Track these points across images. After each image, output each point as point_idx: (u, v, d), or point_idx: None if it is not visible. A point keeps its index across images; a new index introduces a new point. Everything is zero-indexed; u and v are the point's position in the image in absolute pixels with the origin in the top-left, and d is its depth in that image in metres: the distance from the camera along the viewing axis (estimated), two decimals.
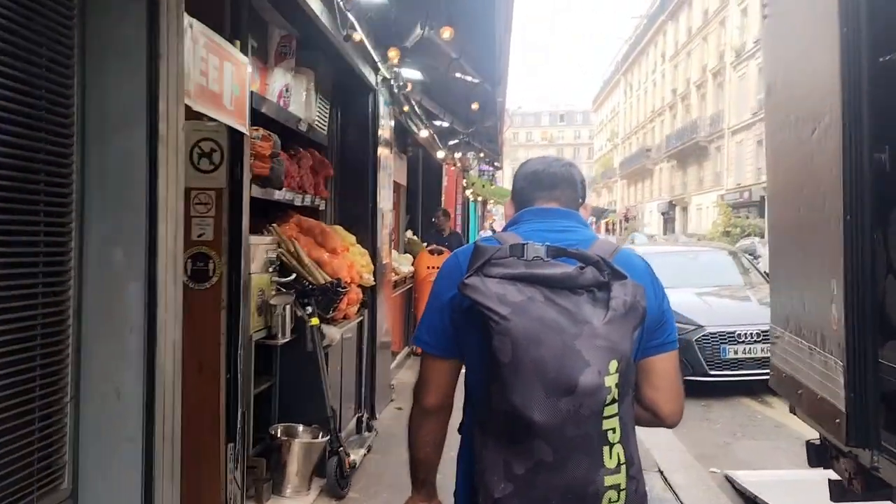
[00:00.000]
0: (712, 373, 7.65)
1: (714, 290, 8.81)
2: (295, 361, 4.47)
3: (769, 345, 3.80)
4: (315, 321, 4.36)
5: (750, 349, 7.65)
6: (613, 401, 1.44)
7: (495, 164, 15.00)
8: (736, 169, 38.67)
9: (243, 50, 3.60)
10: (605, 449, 1.44)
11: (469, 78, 5.42)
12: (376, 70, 5.66)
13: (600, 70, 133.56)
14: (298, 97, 4.75)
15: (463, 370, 1.75)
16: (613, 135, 76.00)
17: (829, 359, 2.86)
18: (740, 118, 38.07)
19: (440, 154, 8.26)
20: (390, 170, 6.03)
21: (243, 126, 3.51)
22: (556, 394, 1.39)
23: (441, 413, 1.75)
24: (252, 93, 3.87)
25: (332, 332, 4.56)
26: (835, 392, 2.83)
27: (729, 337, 7.67)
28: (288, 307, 4.20)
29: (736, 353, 7.66)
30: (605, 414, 1.43)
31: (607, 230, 65.01)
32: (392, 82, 5.63)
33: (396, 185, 8.88)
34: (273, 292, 4.25)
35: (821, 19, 2.86)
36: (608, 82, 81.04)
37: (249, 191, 3.75)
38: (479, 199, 22.64)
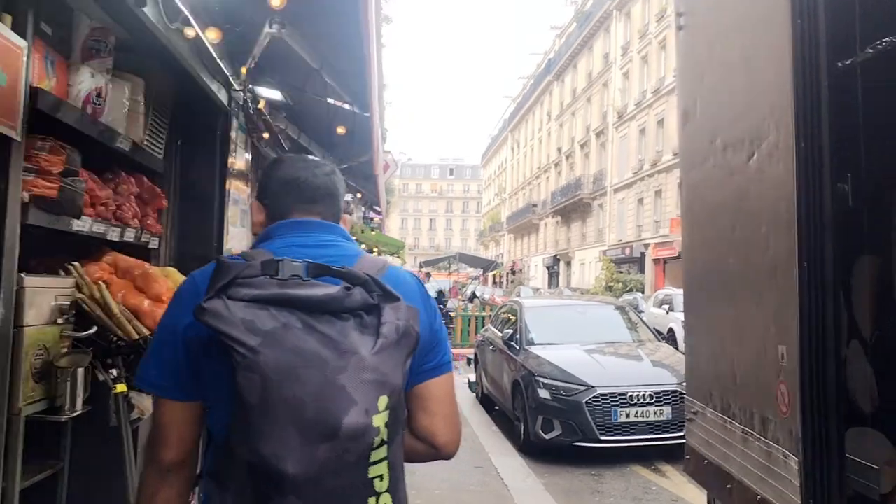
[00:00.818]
0: (603, 438, 7.04)
1: (603, 347, 8.32)
2: (92, 440, 3.44)
3: (686, 421, 3.11)
4: (121, 388, 3.37)
5: (642, 412, 7.11)
6: (382, 443, 1.30)
7: (375, 207, 14.21)
8: (618, 225, 39.77)
9: (19, 29, 2.70)
10: (372, 500, 1.31)
11: (331, 101, 4.66)
12: (228, 87, 4.80)
13: (489, 127, 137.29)
14: (118, 108, 3.82)
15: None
16: (501, 189, 77.42)
17: (776, 450, 2.19)
18: (622, 177, 39.34)
19: None
20: (244, 205, 5.14)
21: (9, 129, 2.60)
22: (314, 440, 1.23)
23: (183, 470, 1.47)
24: (38, 90, 2.95)
25: (145, 403, 3.57)
26: (784, 495, 2.16)
27: (621, 399, 7.12)
28: (81, 370, 3.20)
29: (628, 416, 7.10)
30: (372, 459, 1.29)
31: (494, 283, 65.54)
32: (248, 102, 4.77)
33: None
34: (63, 350, 3.24)
35: (765, 18, 2.27)
36: (496, 139, 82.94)
37: (20, 216, 2.80)
38: (363, 246, 21.80)
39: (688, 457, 3.08)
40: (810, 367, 2.03)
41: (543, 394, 7.35)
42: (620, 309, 9.73)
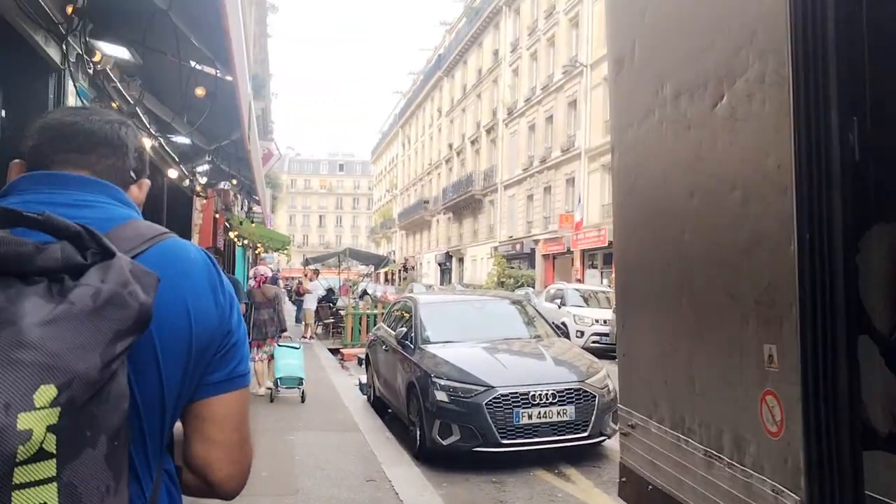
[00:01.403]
0: (505, 442, 6.56)
1: (503, 344, 7.85)
2: None
3: (621, 436, 2.59)
4: None
5: (546, 413, 6.67)
6: (46, 456, 0.88)
7: (255, 197, 13.24)
8: (508, 221, 39.98)
9: None
10: None
11: (194, 64, 3.88)
12: (61, 39, 3.92)
13: (379, 122, 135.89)
14: None
15: None
16: (392, 186, 76.69)
17: (759, 482, 1.68)
18: (512, 173, 39.55)
19: (172, 173, 6.51)
20: None
21: None
22: None
23: None
24: None
25: None
26: None
27: (523, 399, 6.65)
28: None
29: (530, 417, 6.64)
30: (22, 480, 0.87)
31: (387, 280, 64.74)
32: (86, 58, 3.91)
33: None
34: None
35: None
36: (387, 134, 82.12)
37: None
38: (245, 242, 20.59)
39: (623, 479, 2.56)
40: (815, 374, 1.51)
41: (440, 396, 6.79)
42: (518, 303, 9.31)
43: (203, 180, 9.20)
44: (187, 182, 8.37)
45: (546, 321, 8.81)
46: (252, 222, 17.29)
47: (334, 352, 16.88)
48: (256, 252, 36.43)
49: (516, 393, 6.67)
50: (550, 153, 34.43)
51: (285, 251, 23.53)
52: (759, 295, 1.67)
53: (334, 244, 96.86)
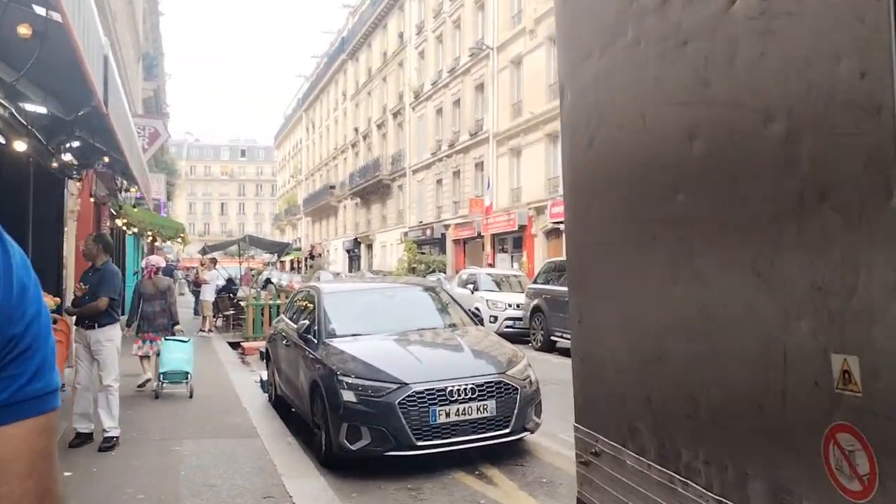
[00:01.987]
0: (421, 444, 5.95)
1: (416, 335, 7.23)
2: None
3: (578, 464, 2.00)
4: None
5: (465, 409, 6.10)
6: None
7: (133, 179, 12.06)
8: (418, 206, 39.39)
9: None
10: None
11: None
12: None
13: (282, 107, 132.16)
14: None
15: None
16: (297, 171, 74.70)
17: None
18: (420, 158, 38.94)
19: (20, 146, 5.53)
20: None
21: None
22: None
23: None
24: None
25: None
26: None
27: (440, 396, 6.05)
28: None
29: (448, 415, 6.05)
30: None
31: (293, 269, 62.98)
32: None
33: None
34: None
35: None
36: (290, 119, 79.87)
37: None
38: (135, 230, 19.12)
39: None
40: None
41: (348, 396, 6.10)
42: (431, 290, 8.69)
43: (72, 160, 8.10)
44: (55, 164, 7.32)
45: (462, 308, 8.24)
46: (134, 207, 15.90)
47: (235, 346, 15.84)
48: (150, 241, 34.43)
49: (432, 389, 6.06)
50: (459, 137, 34.01)
51: (180, 239, 22.08)
52: (824, 279, 1.10)
53: (237, 232, 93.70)
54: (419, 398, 6.01)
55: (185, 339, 9.47)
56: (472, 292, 17.91)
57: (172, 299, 9.73)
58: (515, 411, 6.30)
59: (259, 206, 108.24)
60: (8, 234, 0.91)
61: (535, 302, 15.63)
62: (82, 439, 6.40)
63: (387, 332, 7.18)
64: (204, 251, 21.40)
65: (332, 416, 6.20)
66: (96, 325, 6.36)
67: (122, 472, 5.73)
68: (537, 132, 26.65)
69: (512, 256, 28.49)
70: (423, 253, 33.06)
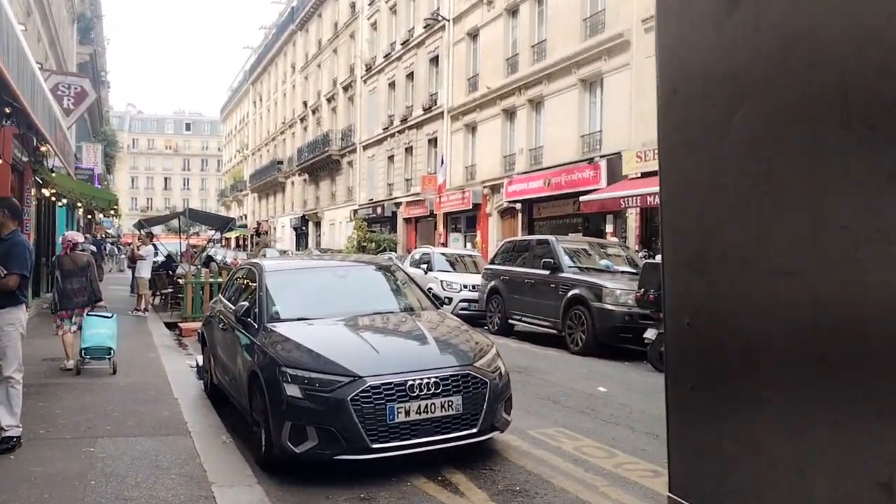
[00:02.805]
0: (376, 446, 5.15)
1: (371, 320, 6.41)
2: None
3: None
4: None
5: (427, 406, 5.32)
6: None
7: (40, 141, 10.80)
8: (368, 183, 38.30)
9: None
10: None
11: None
12: None
13: (229, 79, 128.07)
14: None
15: None
16: (243, 146, 72.51)
17: None
18: (371, 133, 37.80)
19: None
20: None
21: None
22: None
23: None
24: None
25: None
26: None
27: (399, 391, 5.26)
28: None
29: (408, 413, 5.26)
30: None
31: (238, 246, 61.22)
32: None
33: None
34: None
35: None
36: (237, 91, 77.45)
37: None
38: (65, 202, 17.71)
39: None
40: None
41: (292, 390, 5.26)
42: (386, 269, 7.83)
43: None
44: None
45: (420, 289, 7.43)
46: (52, 171, 14.52)
47: (172, 326, 14.76)
48: (83, 213, 32.49)
49: (390, 383, 5.25)
50: (412, 112, 33.01)
51: (113, 212, 20.70)
52: None
53: (181, 208, 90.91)
54: (375, 393, 5.20)
55: (108, 314, 9.18)
56: (426, 272, 17.14)
57: (94, 275, 9.36)
58: (484, 408, 5.55)
59: (204, 182, 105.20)
60: None
61: (493, 283, 14.95)
62: None
63: (337, 316, 6.34)
64: (140, 226, 20.02)
65: (274, 412, 5.35)
66: None
67: (15, 481, 4.79)
68: (493, 108, 25.87)
69: (465, 236, 27.78)
70: (374, 231, 32.09)
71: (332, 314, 6.40)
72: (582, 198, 18.41)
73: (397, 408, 5.23)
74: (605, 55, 19.99)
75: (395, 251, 29.13)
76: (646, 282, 10.94)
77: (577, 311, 12.24)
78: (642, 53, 18.55)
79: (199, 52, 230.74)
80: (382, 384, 5.24)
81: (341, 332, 6.04)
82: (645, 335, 10.82)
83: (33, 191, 14.01)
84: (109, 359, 8.83)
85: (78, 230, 31.19)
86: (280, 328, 6.07)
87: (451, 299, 15.66)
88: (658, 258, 13.34)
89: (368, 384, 5.21)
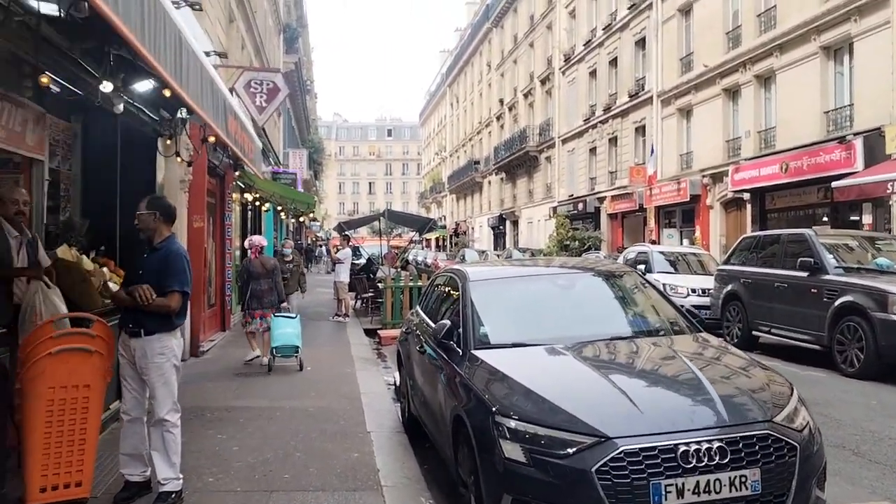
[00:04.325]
0: None
1: (610, 349, 4.74)
2: None
3: None
4: None
5: (710, 484, 3.58)
6: None
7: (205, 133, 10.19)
8: (568, 179, 36.45)
9: None
10: None
11: None
12: None
13: (426, 83, 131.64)
14: None
15: None
16: (441, 148, 73.47)
17: None
18: (571, 126, 35.91)
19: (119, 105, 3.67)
20: None
21: None
22: None
23: None
24: None
25: None
26: None
27: (667, 461, 3.56)
28: None
29: (682, 493, 3.55)
30: None
31: (438, 247, 61.88)
32: None
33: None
34: None
35: None
36: (434, 95, 78.71)
37: None
38: (267, 206, 17.74)
39: None
40: None
41: (512, 451, 3.75)
42: (622, 277, 6.07)
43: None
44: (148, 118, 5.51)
45: (672, 304, 5.63)
46: (274, 180, 14.26)
47: (372, 333, 14.05)
48: (298, 220, 33.65)
49: (653, 448, 3.57)
50: (616, 100, 30.70)
51: (314, 213, 20.71)
52: None
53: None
54: (632, 463, 3.54)
55: (293, 314, 9.89)
56: (643, 274, 15.09)
57: (279, 278, 10.13)
58: (793, 486, 3.70)
59: (406, 185, 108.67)
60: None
61: (730, 287, 12.63)
62: (132, 492, 4.47)
63: (564, 343, 4.73)
64: (340, 228, 19.80)
65: (487, 478, 3.88)
66: (143, 332, 4.35)
67: None
68: (712, 87, 22.99)
69: (681, 232, 25.07)
70: (577, 229, 30.16)
71: (556, 338, 4.81)
72: (835, 183, 15.34)
73: (666, 485, 3.53)
74: (856, 15, 16.67)
75: (601, 249, 27.07)
76: None
77: (852, 322, 9.70)
78: None
79: (399, 59, 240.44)
80: (642, 449, 3.56)
81: (573, 366, 4.43)
82: None
83: (235, 195, 13.85)
84: (296, 356, 9.42)
85: (287, 236, 32.44)
86: (491, 357, 4.59)
87: None
88: None
89: (622, 448, 3.55)
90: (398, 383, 7.79)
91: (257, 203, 16.68)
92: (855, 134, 16.25)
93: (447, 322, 5.16)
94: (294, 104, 37.15)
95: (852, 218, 16.88)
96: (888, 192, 13.91)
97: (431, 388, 5.38)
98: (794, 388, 4.26)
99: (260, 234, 18.60)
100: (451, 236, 60.23)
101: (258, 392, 8.04)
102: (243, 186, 14.73)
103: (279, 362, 9.41)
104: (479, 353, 4.69)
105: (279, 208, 19.57)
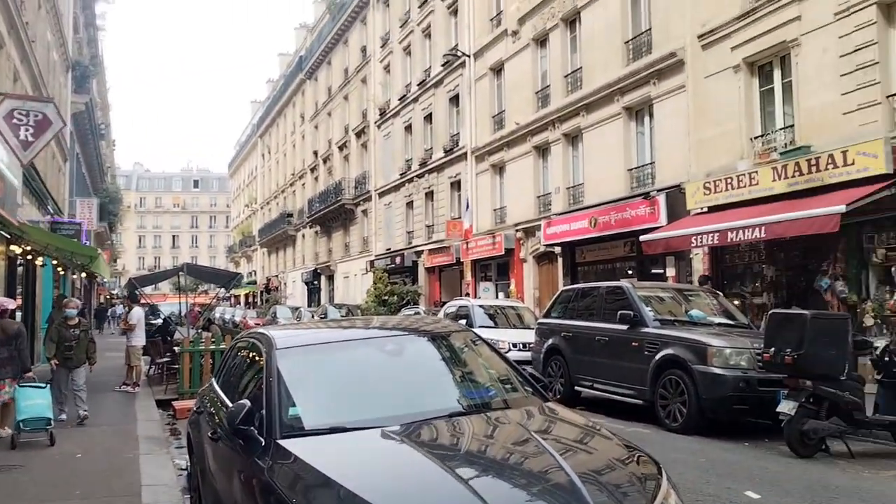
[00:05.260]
0: None
1: (453, 431, 3.86)
2: None
3: None
4: None
5: None
6: None
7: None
8: (385, 232, 36.00)
9: None
10: None
11: None
12: None
13: (236, 134, 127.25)
14: None
15: None
16: (252, 200, 70.76)
17: None
18: (387, 179, 35.67)
19: None
20: None
21: None
22: None
23: None
24: None
25: None
26: None
27: None
28: None
29: None
30: None
31: (248, 304, 58.78)
32: None
33: None
34: None
35: None
36: (245, 145, 76.17)
37: None
38: (42, 261, 15.33)
39: None
40: None
41: None
42: (457, 337, 5.25)
43: None
44: None
45: (513, 367, 4.90)
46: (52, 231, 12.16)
47: (166, 405, 12.25)
48: (92, 274, 30.01)
49: None
50: (432, 155, 30.85)
51: (95, 268, 18.34)
52: None
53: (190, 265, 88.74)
54: None
55: (42, 384, 8.96)
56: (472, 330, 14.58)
57: (22, 345, 9.02)
58: None
59: (213, 239, 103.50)
60: None
61: (551, 341, 12.38)
62: None
63: (397, 423, 3.80)
64: (132, 286, 17.41)
65: None
66: None
67: None
68: (524, 144, 23.61)
69: (497, 285, 25.23)
70: (395, 283, 29.57)
71: (385, 418, 3.87)
72: (643, 237, 15.90)
73: None
74: (655, 78, 17.74)
75: (420, 304, 26.61)
76: (776, 339, 8.36)
77: (673, 376, 9.65)
78: (700, 72, 16.30)
79: (207, 109, 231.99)
80: None
81: (410, 457, 3.48)
82: (780, 409, 8.21)
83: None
84: (48, 430, 8.60)
85: (73, 294, 28.86)
86: (302, 449, 3.55)
87: None
88: (796, 309, 10.77)
89: None
90: (189, 467, 6.40)
91: (29, 257, 14.31)
92: (658, 190, 17.06)
93: (246, 402, 4.02)
94: (85, 149, 33.78)
95: (655, 271, 17.63)
96: (692, 245, 14.56)
97: (227, 487, 4.20)
98: (663, 470, 3.63)
99: (34, 292, 16.04)
100: (262, 292, 57.59)
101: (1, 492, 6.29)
102: (8, 237, 12.48)
103: (26, 438, 8.45)
104: (288, 444, 3.63)
105: (55, 263, 17.04)
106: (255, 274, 65.73)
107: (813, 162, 12.64)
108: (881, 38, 12.18)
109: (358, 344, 4.96)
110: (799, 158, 13.00)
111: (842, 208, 11.26)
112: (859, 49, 12.40)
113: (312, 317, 28.19)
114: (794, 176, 12.99)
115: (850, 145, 11.98)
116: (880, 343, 9.48)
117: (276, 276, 57.80)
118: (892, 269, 12.19)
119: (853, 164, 11.85)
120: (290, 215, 52.97)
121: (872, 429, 8.56)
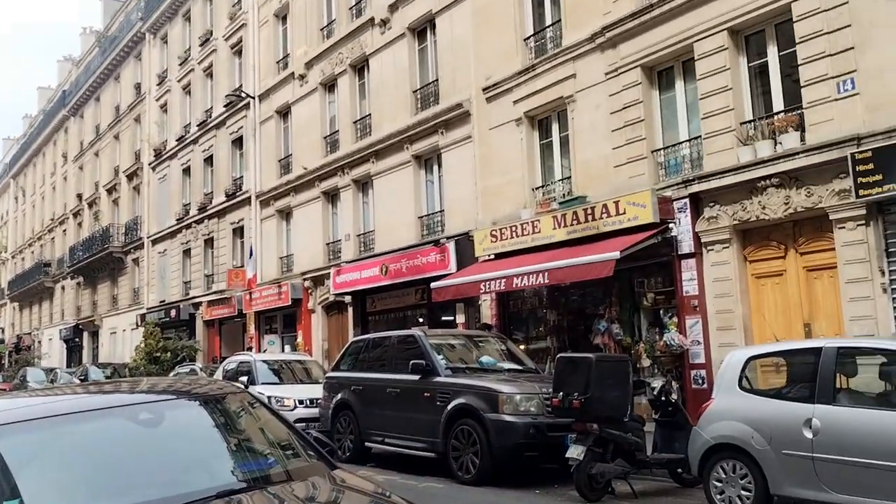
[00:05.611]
0: None
1: None
2: None
3: None
4: None
5: None
6: None
7: None
8: (159, 283, 33.20)
9: None
10: None
11: None
12: None
13: None
14: None
15: None
16: (1, 248, 62.68)
17: None
18: (162, 225, 33.09)
19: None
20: None
21: None
22: None
23: None
24: None
25: None
26: None
27: None
28: None
29: None
30: None
31: None
32: None
33: None
34: None
35: None
36: None
37: None
38: None
39: None
40: None
41: None
42: (230, 401, 4.42)
43: None
44: None
45: (293, 428, 4.18)
46: None
47: None
48: None
49: None
50: (212, 199, 29.08)
51: None
52: None
53: None
54: None
55: None
56: (247, 387, 13.42)
57: None
58: None
59: None
60: None
61: (340, 396, 11.69)
62: None
63: None
64: None
65: None
66: None
67: None
68: (312, 190, 22.91)
69: (283, 338, 24.00)
70: (169, 338, 27.15)
71: None
72: (433, 284, 15.80)
73: None
74: (442, 128, 18.02)
75: (197, 360, 24.58)
76: (565, 383, 8.37)
77: (466, 426, 9.37)
78: (485, 124, 16.80)
79: None
80: None
81: None
82: (569, 454, 8.17)
83: None
84: None
85: None
86: None
87: None
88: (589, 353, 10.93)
89: None
90: None
91: None
92: (448, 238, 17.16)
93: None
94: None
95: (446, 318, 17.63)
96: (481, 291, 14.68)
97: None
98: None
99: None
100: (10, 353, 50.73)
101: None
102: None
103: None
104: None
105: None
106: (4, 332, 57.93)
107: (589, 211, 13.29)
108: (645, 98, 13.24)
109: (103, 417, 3.93)
110: (576, 208, 13.63)
111: (616, 255, 11.85)
112: (627, 107, 13.38)
113: (72, 379, 24.96)
114: (572, 224, 13.56)
115: (622, 196, 12.74)
116: (657, 383, 9.92)
117: (30, 333, 51.26)
118: (661, 311, 13.04)
119: (625, 213, 12.59)
120: (48, 265, 47.46)
121: (652, 467, 8.82)
